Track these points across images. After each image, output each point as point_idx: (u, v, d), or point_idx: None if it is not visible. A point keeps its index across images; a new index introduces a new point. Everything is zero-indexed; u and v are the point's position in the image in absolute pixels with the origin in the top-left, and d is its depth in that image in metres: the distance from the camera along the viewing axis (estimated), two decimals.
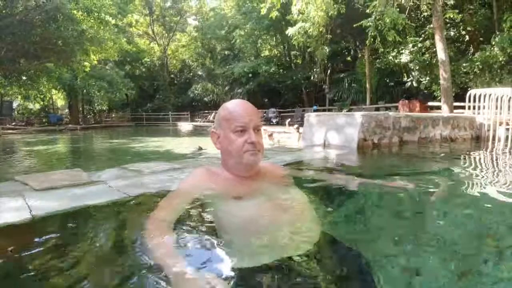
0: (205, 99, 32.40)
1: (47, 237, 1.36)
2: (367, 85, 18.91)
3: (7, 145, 16.19)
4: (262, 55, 29.69)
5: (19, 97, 27.65)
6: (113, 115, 37.38)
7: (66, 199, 1.73)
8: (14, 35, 13.79)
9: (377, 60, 19.20)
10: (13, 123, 27.24)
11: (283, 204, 1.41)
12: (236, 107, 1.46)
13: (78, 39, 14.68)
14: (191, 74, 36.67)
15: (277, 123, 20.55)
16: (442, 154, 4.18)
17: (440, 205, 1.89)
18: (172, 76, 38.29)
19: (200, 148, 9.62)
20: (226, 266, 1.05)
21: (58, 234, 1.44)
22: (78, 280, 1.02)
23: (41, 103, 30.80)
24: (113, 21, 18.02)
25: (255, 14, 22.82)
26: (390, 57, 17.87)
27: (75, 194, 1.86)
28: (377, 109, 17.06)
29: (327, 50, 19.44)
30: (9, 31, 13.58)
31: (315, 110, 21.05)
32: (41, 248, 1.23)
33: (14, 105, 33.49)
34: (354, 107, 19.45)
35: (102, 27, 16.19)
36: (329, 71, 23.06)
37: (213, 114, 26.92)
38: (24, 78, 17.18)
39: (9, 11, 12.37)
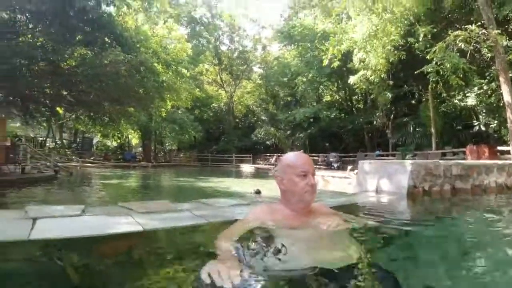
0: (267, 142, 33.48)
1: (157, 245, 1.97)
2: (432, 130, 18.36)
3: (86, 177, 18.27)
4: (324, 100, 30.41)
5: (99, 134, 30.97)
6: (182, 155, 39.83)
7: (163, 220, 2.35)
8: (102, 83, 15.83)
9: (442, 104, 18.72)
10: (92, 158, 30.15)
11: (326, 232, 1.86)
12: (298, 157, 1.95)
13: (158, 89, 16.56)
14: (255, 118, 38.41)
15: (338, 168, 20.51)
16: (490, 201, 4.24)
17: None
18: (237, 120, 40.36)
19: (258, 192, 10.02)
20: (277, 270, 1.48)
21: (164, 243, 2.04)
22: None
23: (118, 141, 34.13)
24: (188, 74, 20.01)
25: (316, 62, 23.77)
26: (456, 100, 17.37)
27: (168, 217, 2.48)
28: (444, 154, 16.39)
29: (389, 96, 19.48)
30: (98, 79, 15.62)
31: (378, 155, 20.67)
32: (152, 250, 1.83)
33: (94, 141, 37.35)
34: (419, 152, 18.82)
35: (178, 79, 18.13)
36: (392, 116, 22.80)
37: (274, 157, 27.66)
38: (106, 119, 19.46)
39: (99, 62, 14.41)
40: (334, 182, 14.63)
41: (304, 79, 26.93)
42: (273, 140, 32.82)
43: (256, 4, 63.74)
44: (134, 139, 37.88)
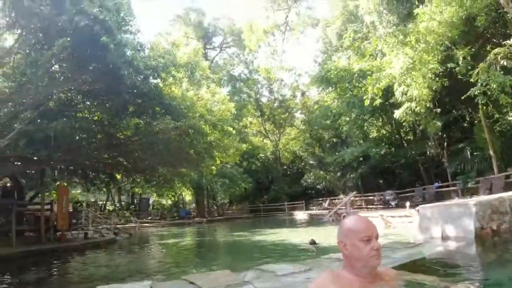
0: (318, 186, 32.94)
1: None
2: (491, 152, 17.08)
3: (145, 238, 18.87)
4: (371, 136, 29.77)
5: (155, 194, 32.25)
6: (234, 207, 40.10)
7: None
8: (155, 149, 16.77)
9: (497, 123, 17.54)
10: (149, 217, 31.16)
11: None
12: (360, 221, 1.87)
13: (207, 149, 17.27)
14: (303, 164, 38.29)
15: (397, 206, 19.56)
16: None
17: None
18: (284, 167, 40.45)
19: (313, 242, 9.75)
20: None
21: None
22: None
23: (173, 199, 35.20)
24: (233, 131, 20.78)
25: (357, 101, 23.67)
26: (510, 118, 16.23)
27: None
28: (507, 177, 15.04)
29: (439, 124, 18.70)
30: (151, 146, 16.58)
31: (437, 187, 19.51)
32: None
33: (150, 201, 38.71)
34: (481, 178, 17.46)
35: (225, 137, 18.91)
36: (445, 143, 21.65)
37: (327, 202, 27.01)
38: (161, 181, 20.39)
39: (152, 131, 15.39)
40: (395, 222, 13.90)
41: (347, 119, 26.76)
42: (323, 183, 32.24)
43: (290, 54, 66.19)
44: (188, 196, 38.92)
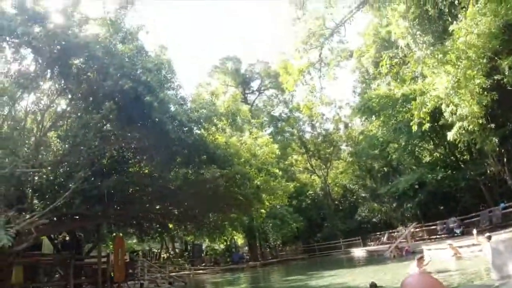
0: (374, 220, 31.26)
1: None
2: None
3: (199, 286, 18.66)
4: (424, 161, 28.15)
5: (207, 240, 32.31)
6: (287, 248, 38.94)
7: None
8: (203, 196, 17.02)
9: None
10: (203, 264, 31.05)
11: None
12: (422, 282, 1.50)
13: (255, 194, 17.30)
14: (355, 197, 36.82)
15: (462, 233, 17.95)
16: None
17: None
18: (336, 202, 39.12)
19: (374, 285, 9.07)
20: None
21: None
22: None
23: (225, 243, 35.02)
24: (280, 173, 20.74)
25: (403, 126, 22.78)
26: None
27: None
28: None
29: (495, 140, 17.31)
30: (200, 195, 16.88)
31: (503, 208, 17.80)
32: None
33: (203, 246, 38.64)
34: None
35: (272, 179, 18.91)
36: (505, 159, 19.82)
37: (386, 236, 25.42)
38: (212, 227, 20.52)
39: (199, 180, 15.72)
40: (464, 252, 12.77)
41: (396, 146, 25.69)
42: (379, 216, 30.58)
43: (328, 88, 66.28)
44: (240, 239, 38.44)
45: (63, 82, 13.62)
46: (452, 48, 13.41)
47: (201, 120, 15.62)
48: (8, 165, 11.36)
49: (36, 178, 13.55)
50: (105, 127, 15.56)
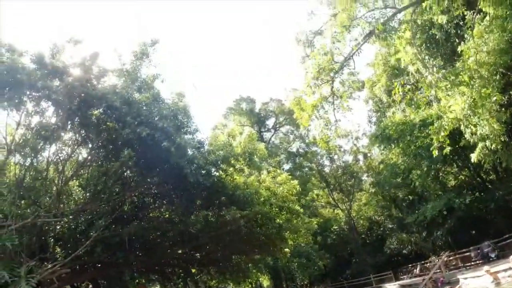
0: (404, 251, 29.78)
1: None
2: None
3: None
4: (449, 186, 27.17)
5: (231, 284, 31.23)
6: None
7: None
8: (224, 239, 16.76)
9: None
10: None
11: None
12: None
13: (277, 233, 16.99)
14: (381, 229, 35.46)
15: (497, 257, 16.92)
16: None
17: None
18: (363, 236, 37.72)
19: None
20: None
21: None
22: None
23: (250, 286, 33.75)
24: (301, 210, 20.41)
25: (423, 151, 22.32)
26: None
27: None
28: None
29: None
30: (222, 238, 16.64)
31: None
32: None
33: None
34: None
35: (294, 217, 18.59)
36: None
37: (418, 267, 24.12)
38: (235, 270, 20.00)
39: (220, 222, 15.55)
40: (501, 277, 12.04)
41: (418, 172, 25.01)
42: (409, 247, 29.16)
43: (343, 119, 66.23)
44: (265, 281, 37.10)
45: (83, 132, 14.12)
46: (463, 68, 13.33)
47: (219, 162, 15.74)
48: (30, 215, 11.59)
49: (58, 227, 13.72)
50: (125, 173, 15.87)
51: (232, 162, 16.61)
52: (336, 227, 38.05)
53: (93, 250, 13.88)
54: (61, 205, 13.23)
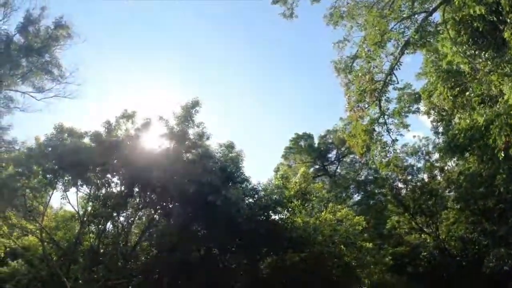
0: (505, 267, 25.72)
1: None
2: None
3: None
4: None
5: None
6: None
7: None
8: (298, 282, 16.24)
9: None
10: None
11: None
12: None
13: (346, 272, 16.23)
14: (476, 247, 31.34)
15: None
16: None
17: None
18: (457, 259, 33.56)
19: None
20: None
21: None
22: None
23: None
24: (370, 245, 19.40)
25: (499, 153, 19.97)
26: None
27: None
28: None
29: None
30: (293, 280, 16.23)
31: None
32: None
33: None
34: None
35: (363, 252, 17.67)
36: None
37: None
38: None
39: (286, 265, 15.26)
40: None
41: (504, 176, 22.29)
42: (509, 262, 25.17)
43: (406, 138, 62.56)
44: None
45: (144, 197, 15.37)
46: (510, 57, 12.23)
47: (273, 206, 15.82)
48: (101, 278, 12.62)
49: (130, 287, 14.62)
50: (193, 227, 16.59)
51: (287, 204, 16.55)
52: (425, 254, 34.57)
53: None
54: (130, 266, 14.22)
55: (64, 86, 17.43)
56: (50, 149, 13.24)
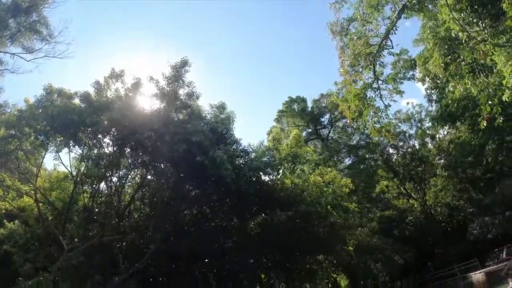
0: (489, 236, 26.82)
1: None
2: None
3: None
4: None
5: (308, 286, 31.01)
6: (399, 284, 35.22)
7: None
8: (282, 241, 16.98)
9: None
10: None
11: None
12: None
13: (332, 233, 16.83)
14: (462, 214, 32.45)
15: None
16: None
17: None
18: (443, 224, 34.83)
19: None
20: None
21: None
22: None
23: (327, 286, 33.14)
24: (355, 207, 19.89)
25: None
26: None
27: None
28: None
29: None
30: (279, 240, 16.94)
31: None
32: None
33: None
34: None
35: (347, 214, 18.24)
36: None
37: (504, 251, 21.72)
38: (300, 270, 20.16)
39: (273, 224, 15.85)
40: None
41: (491, 146, 22.70)
42: (493, 230, 26.23)
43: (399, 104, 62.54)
44: (343, 280, 36.04)
45: (135, 157, 15.56)
46: (505, 28, 12.03)
47: (263, 167, 16.09)
48: (96, 235, 13.10)
49: (124, 244, 15.21)
50: (185, 187, 16.95)
51: (277, 166, 16.81)
52: (411, 218, 35.75)
53: (157, 263, 15.11)
54: (123, 224, 14.71)
55: (53, 46, 16.94)
56: (40, 110, 13.18)
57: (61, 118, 12.93)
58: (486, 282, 18.70)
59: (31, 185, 14.07)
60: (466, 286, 20.31)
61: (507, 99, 13.24)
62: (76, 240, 13.53)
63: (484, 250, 27.09)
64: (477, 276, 21.53)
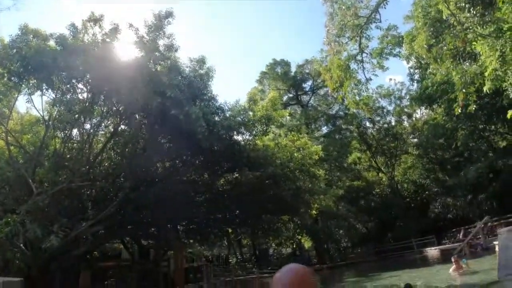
0: (449, 216, 28.50)
1: None
2: None
3: None
4: (501, 147, 25.19)
5: (274, 245, 32.55)
6: (359, 250, 37.36)
7: None
8: (250, 200, 17.48)
9: None
10: (269, 268, 31.03)
11: None
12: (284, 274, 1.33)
13: (297, 196, 17.38)
14: (427, 193, 34.08)
15: None
16: None
17: None
18: (407, 200, 36.53)
19: (409, 287, 8.89)
20: None
21: None
22: None
23: (291, 247, 34.87)
24: (322, 173, 20.44)
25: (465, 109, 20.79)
26: None
27: None
28: None
29: None
30: (247, 198, 17.39)
31: None
32: None
33: (270, 251, 39.31)
34: None
35: (314, 180, 18.79)
36: None
37: (462, 232, 23.21)
38: (265, 229, 21.07)
39: (242, 183, 16.21)
40: None
41: (463, 132, 23.47)
42: (454, 211, 27.87)
43: (382, 78, 62.83)
44: (307, 242, 37.87)
45: (109, 105, 15.23)
46: (493, 18, 12.09)
47: (236, 126, 16.12)
48: (65, 181, 13.06)
49: (94, 191, 15.28)
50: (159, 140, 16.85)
51: (251, 127, 16.86)
52: (378, 191, 37.27)
53: (125, 211, 15.33)
54: (93, 171, 14.68)
55: None
56: (15, 51, 12.49)
57: (35, 60, 12.31)
58: (440, 259, 20.03)
59: (2, 127, 13.68)
60: (422, 260, 21.68)
61: (487, 90, 13.60)
62: (45, 184, 13.44)
63: (443, 228, 28.80)
64: (432, 251, 23.02)
